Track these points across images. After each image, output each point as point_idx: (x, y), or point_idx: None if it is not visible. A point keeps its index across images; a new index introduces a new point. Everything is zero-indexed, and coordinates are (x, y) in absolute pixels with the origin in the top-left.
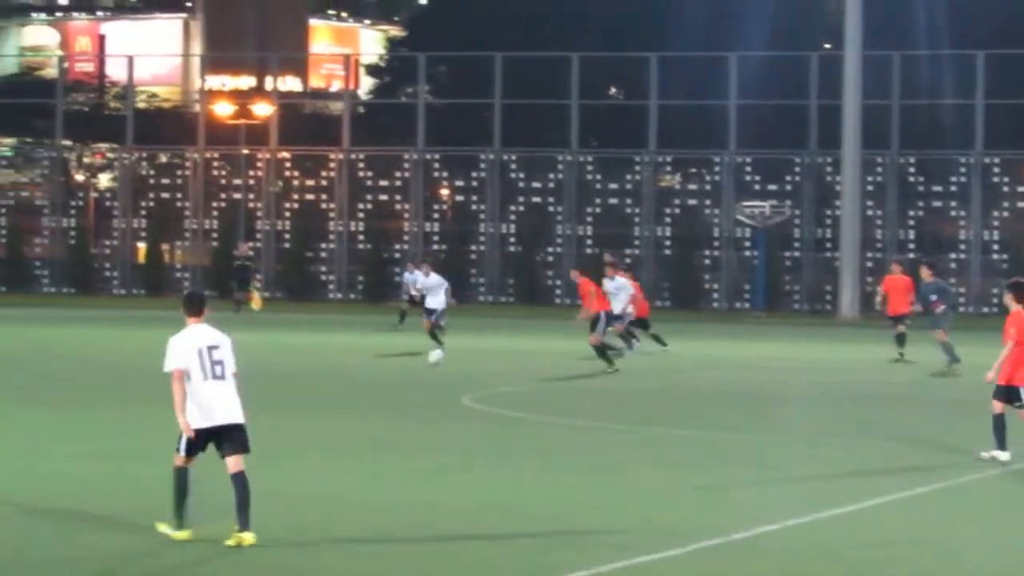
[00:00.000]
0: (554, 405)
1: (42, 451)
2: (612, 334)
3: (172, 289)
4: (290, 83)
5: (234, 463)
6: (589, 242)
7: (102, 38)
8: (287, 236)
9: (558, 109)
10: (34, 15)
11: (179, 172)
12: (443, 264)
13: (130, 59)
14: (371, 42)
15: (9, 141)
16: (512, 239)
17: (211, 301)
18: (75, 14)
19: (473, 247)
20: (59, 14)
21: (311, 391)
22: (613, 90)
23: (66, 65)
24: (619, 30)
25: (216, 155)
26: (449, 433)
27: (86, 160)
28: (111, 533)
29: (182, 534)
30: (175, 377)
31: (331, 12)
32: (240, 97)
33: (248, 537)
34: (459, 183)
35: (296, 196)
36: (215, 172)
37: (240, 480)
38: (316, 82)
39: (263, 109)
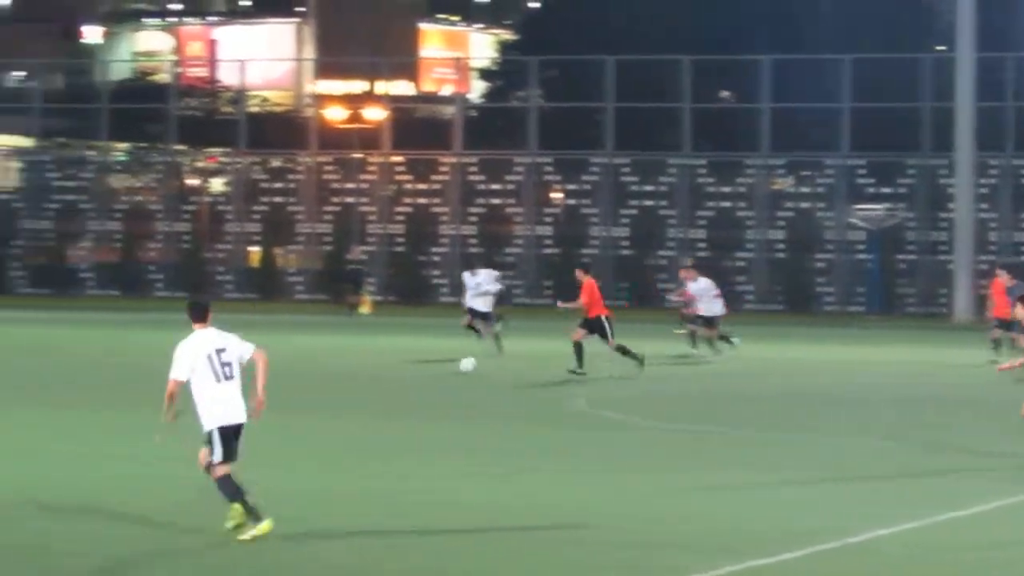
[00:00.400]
0: (661, 409)
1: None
2: (704, 337)
3: (285, 294)
4: (401, 87)
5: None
6: (702, 245)
7: (215, 43)
8: (399, 240)
9: (670, 112)
10: (147, 21)
11: (291, 176)
12: (555, 268)
13: (242, 64)
14: (482, 46)
15: (123, 146)
16: (624, 243)
17: (323, 305)
18: (188, 19)
19: (585, 251)
20: (172, 19)
21: (424, 396)
22: (725, 93)
23: (179, 70)
24: (730, 33)
25: (328, 159)
26: (561, 438)
27: (199, 165)
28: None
29: (265, 525)
30: (172, 386)
31: (441, 16)
32: (352, 101)
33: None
34: (571, 187)
35: (408, 200)
36: (327, 176)
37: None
38: (427, 86)
39: (375, 113)
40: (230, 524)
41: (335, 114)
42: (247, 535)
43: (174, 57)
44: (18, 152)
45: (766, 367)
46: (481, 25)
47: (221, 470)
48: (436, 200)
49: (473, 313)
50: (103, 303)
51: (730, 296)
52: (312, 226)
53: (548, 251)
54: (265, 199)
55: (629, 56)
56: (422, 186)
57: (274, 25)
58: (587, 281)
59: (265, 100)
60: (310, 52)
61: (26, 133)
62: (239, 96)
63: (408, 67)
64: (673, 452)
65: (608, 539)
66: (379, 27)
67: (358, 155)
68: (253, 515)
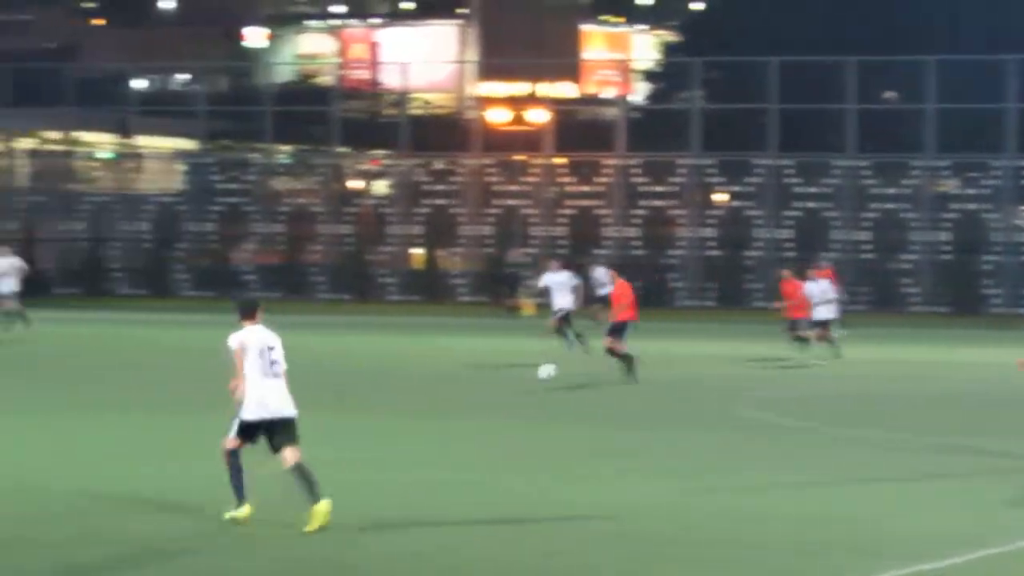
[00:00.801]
0: (821, 412)
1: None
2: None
3: (448, 295)
4: (564, 89)
5: (290, 455)
6: (866, 247)
7: (377, 45)
8: (562, 242)
9: (834, 113)
10: (310, 23)
11: (453, 179)
12: (717, 270)
13: (405, 66)
14: (644, 47)
15: (286, 148)
16: (788, 245)
17: (485, 307)
18: (350, 22)
19: (749, 253)
20: (334, 22)
21: (590, 399)
22: (890, 93)
23: (342, 72)
24: (893, 33)
25: (491, 161)
26: (723, 441)
27: (361, 167)
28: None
29: (243, 511)
30: (237, 353)
31: (603, 18)
32: (514, 103)
33: (323, 506)
34: (734, 188)
35: (570, 202)
36: (489, 178)
37: (299, 471)
38: (590, 88)
39: (537, 115)
40: (309, 528)
41: (497, 116)
42: (229, 514)
43: (337, 59)
44: (182, 155)
45: (931, 370)
46: (644, 26)
47: (231, 444)
48: (599, 202)
49: (561, 315)
50: (266, 306)
51: (895, 298)
52: (474, 228)
53: (711, 253)
54: (427, 201)
55: (793, 57)
56: (585, 188)
57: (437, 27)
58: (619, 283)
59: (427, 102)
60: (472, 54)
61: (190, 136)
62: (401, 98)
63: (570, 69)
64: (834, 454)
65: (775, 541)
66: (541, 29)
67: (520, 157)
68: (237, 499)
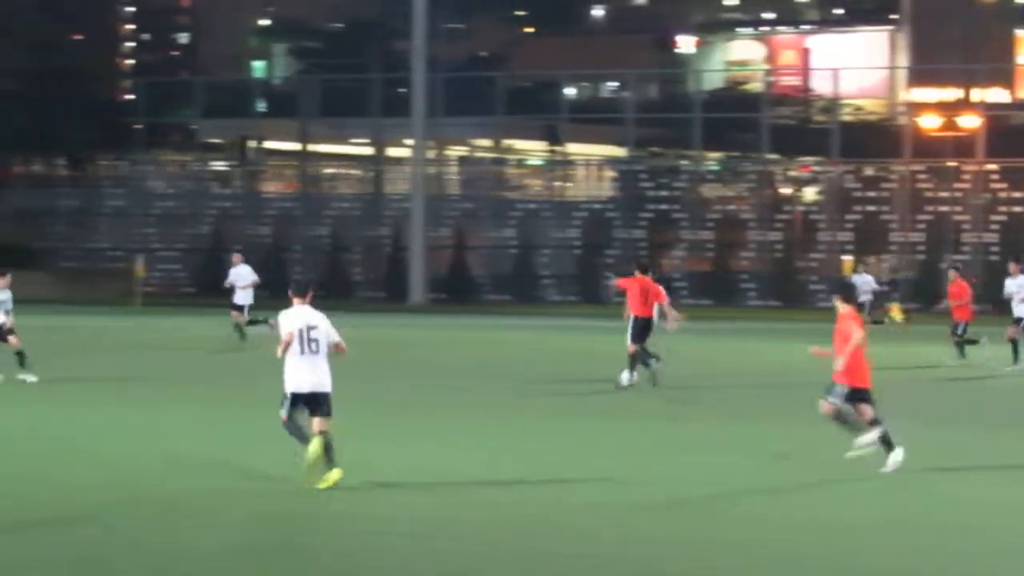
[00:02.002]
0: None
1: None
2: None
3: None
4: (996, 94)
5: (318, 423)
6: None
7: (807, 52)
8: (993, 249)
9: None
10: (740, 30)
11: (884, 185)
12: None
13: (835, 72)
14: None
15: (715, 155)
16: None
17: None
18: (780, 28)
19: None
20: (765, 28)
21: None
22: None
23: (771, 79)
24: None
25: (921, 167)
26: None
27: (791, 174)
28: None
29: (313, 448)
30: (285, 340)
31: None
32: (946, 109)
33: (334, 473)
34: None
35: (1003, 209)
36: (920, 185)
37: (324, 438)
38: (1023, 93)
39: (969, 121)
40: (309, 456)
41: (928, 122)
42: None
43: (766, 66)
44: (612, 162)
45: None
46: None
47: (285, 419)
48: None
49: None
50: (695, 312)
51: None
52: (905, 235)
53: None
54: (858, 208)
55: None
56: (1017, 194)
57: (867, 33)
58: (640, 279)
59: (858, 108)
60: (903, 60)
61: (620, 143)
62: (832, 105)
63: (1004, 74)
64: None
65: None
66: (974, 34)
67: (952, 163)
68: (302, 443)
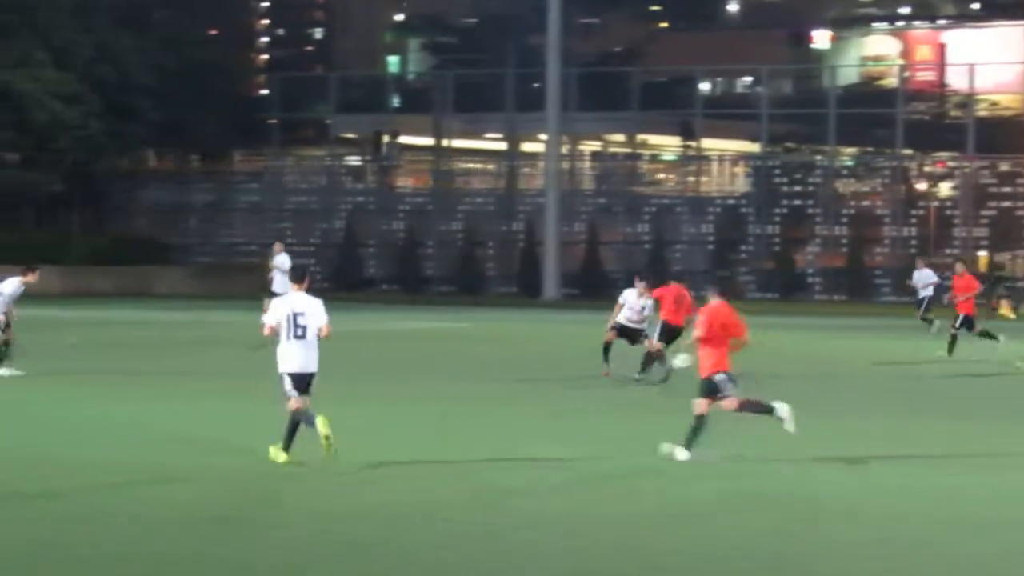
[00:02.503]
0: None
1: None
2: None
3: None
4: None
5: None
6: None
7: (943, 47)
8: None
9: None
10: (875, 25)
11: (1020, 181)
12: None
13: (971, 67)
14: None
15: (850, 151)
16: None
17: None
18: (916, 23)
19: None
20: (900, 23)
21: None
22: None
23: (907, 74)
24: None
25: None
26: None
27: (926, 169)
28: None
29: (283, 456)
30: (268, 330)
31: None
32: None
33: (279, 454)
34: None
35: None
36: None
37: (297, 414)
38: None
39: None
40: (324, 433)
41: None
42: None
43: (901, 61)
44: (746, 157)
45: None
46: None
47: (294, 404)
48: None
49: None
50: (829, 308)
51: None
52: None
53: None
54: (993, 204)
55: None
56: None
57: (1005, 28)
58: (675, 288)
59: (994, 104)
60: None
61: (754, 138)
62: (968, 100)
63: None
64: None
65: None
66: None
67: None
68: (286, 444)
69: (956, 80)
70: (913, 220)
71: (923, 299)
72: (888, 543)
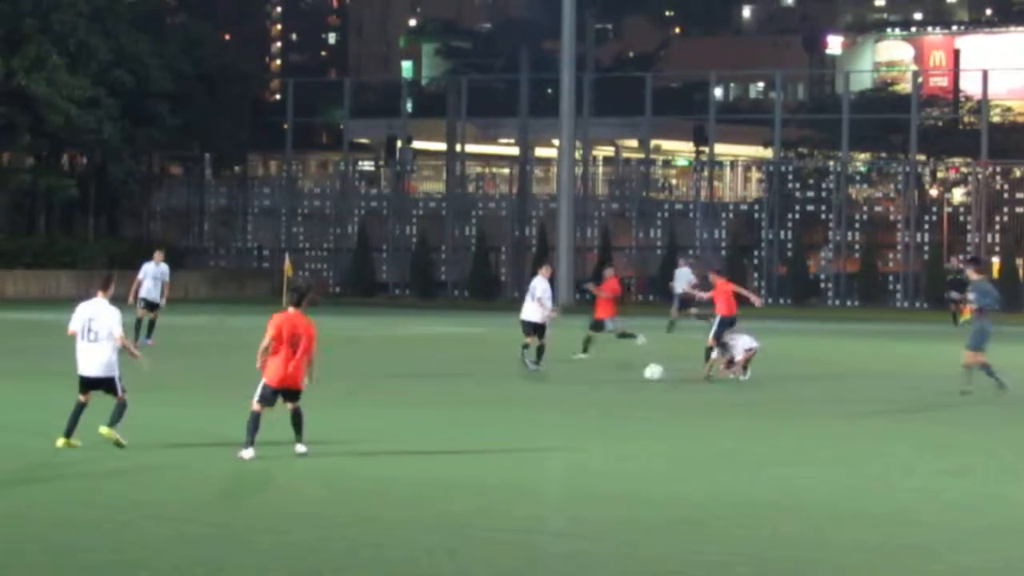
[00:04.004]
0: None
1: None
2: None
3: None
4: None
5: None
6: None
7: (957, 52)
8: None
9: None
10: (889, 31)
11: None
12: None
13: (984, 73)
14: None
15: (863, 156)
16: None
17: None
18: (930, 29)
19: None
20: (914, 29)
21: None
22: None
23: (920, 80)
24: None
25: None
26: None
27: (940, 175)
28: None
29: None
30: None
31: None
32: None
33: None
34: None
35: None
36: None
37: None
38: None
39: None
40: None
41: None
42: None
43: (915, 67)
44: (759, 163)
45: None
46: None
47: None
48: None
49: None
50: (843, 314)
51: None
52: None
53: None
54: (1007, 209)
55: None
56: None
57: (1018, 34)
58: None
59: (1008, 110)
60: None
61: (767, 144)
62: (981, 106)
63: None
64: None
65: None
66: None
67: None
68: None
69: (970, 86)
70: (927, 226)
71: (679, 296)
72: (887, 547)
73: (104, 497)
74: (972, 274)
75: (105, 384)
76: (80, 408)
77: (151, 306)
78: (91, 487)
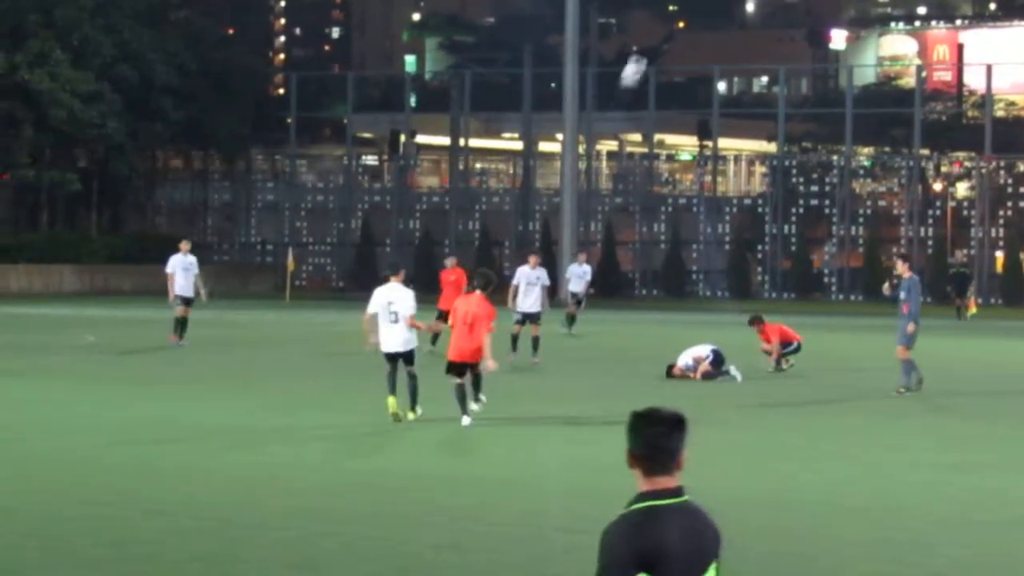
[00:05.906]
0: None
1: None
2: None
3: None
4: None
5: (405, 368)
6: None
7: (960, 47)
8: None
9: None
10: (893, 25)
11: None
12: None
13: (988, 68)
14: None
15: (866, 150)
16: None
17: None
18: (934, 23)
19: None
20: (917, 24)
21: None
22: None
23: (924, 74)
24: None
25: None
26: None
27: (943, 169)
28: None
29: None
30: (366, 317)
31: None
32: None
33: (411, 413)
34: None
35: None
36: None
37: (411, 379)
38: None
39: None
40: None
41: None
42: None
43: (919, 61)
44: (763, 157)
45: None
46: None
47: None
48: None
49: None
50: (846, 308)
51: None
52: None
53: None
54: (1010, 204)
55: None
56: None
57: (1022, 28)
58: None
59: (1011, 104)
60: None
61: (771, 138)
62: (985, 100)
63: None
64: None
65: None
66: None
67: None
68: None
69: (973, 80)
70: (930, 220)
71: (575, 293)
72: (888, 543)
73: (101, 492)
74: (904, 271)
75: (405, 356)
76: (390, 376)
77: (187, 302)
78: (88, 482)
